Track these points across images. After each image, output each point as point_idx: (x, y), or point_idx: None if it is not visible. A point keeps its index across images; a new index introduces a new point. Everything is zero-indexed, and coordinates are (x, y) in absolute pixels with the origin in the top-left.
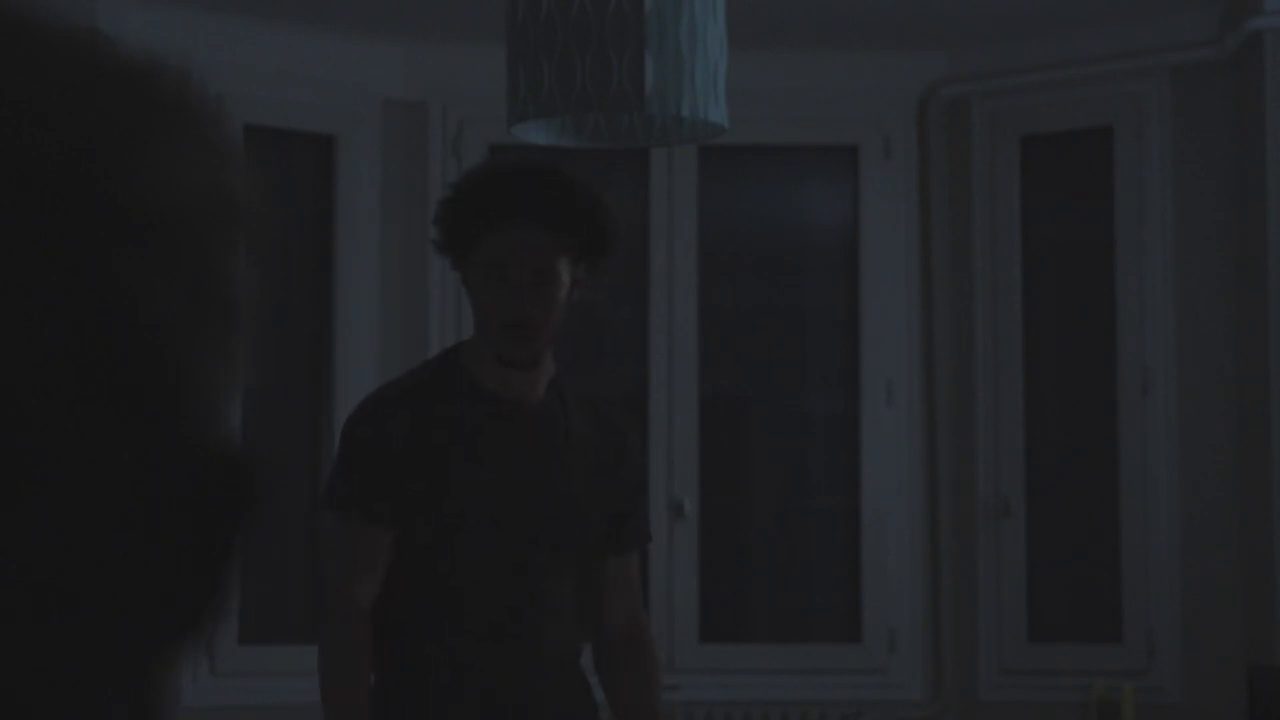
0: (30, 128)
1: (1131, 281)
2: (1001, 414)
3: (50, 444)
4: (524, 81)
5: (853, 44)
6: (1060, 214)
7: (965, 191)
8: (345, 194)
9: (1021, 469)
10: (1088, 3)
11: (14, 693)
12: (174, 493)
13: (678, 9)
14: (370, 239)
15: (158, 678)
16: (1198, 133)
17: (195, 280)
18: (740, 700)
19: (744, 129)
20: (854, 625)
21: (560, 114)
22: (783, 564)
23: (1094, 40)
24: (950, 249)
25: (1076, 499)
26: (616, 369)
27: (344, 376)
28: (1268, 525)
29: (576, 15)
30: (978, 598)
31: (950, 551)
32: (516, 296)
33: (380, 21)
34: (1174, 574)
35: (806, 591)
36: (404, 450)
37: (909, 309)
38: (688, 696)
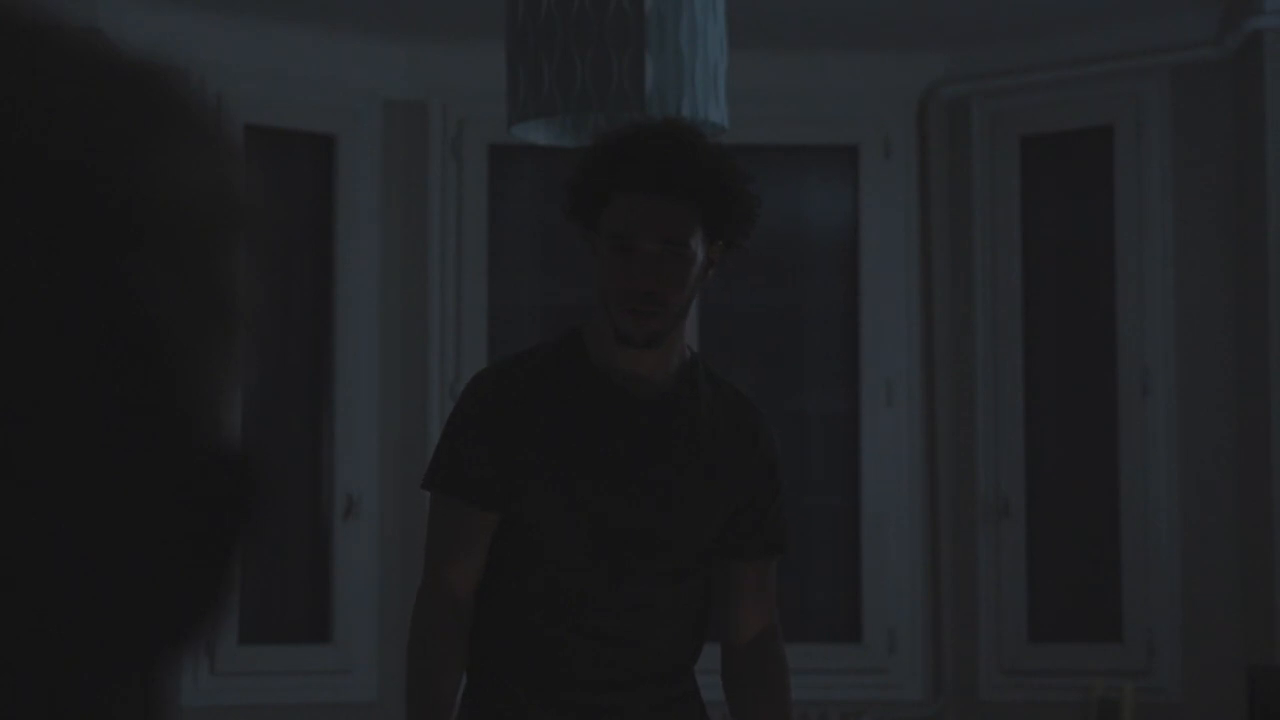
0: (31, 128)
1: (1131, 281)
2: (1001, 414)
3: (53, 444)
4: (524, 81)
5: (853, 44)
6: (1060, 214)
7: (965, 191)
8: (345, 194)
9: (1021, 469)
10: (1088, 3)
11: (16, 693)
12: (177, 493)
13: (678, 9)
14: (370, 239)
15: (160, 678)
16: (1198, 133)
17: (197, 280)
18: None
19: (744, 129)
20: (854, 625)
21: (560, 114)
22: (783, 564)
23: (1094, 40)
24: (950, 248)
25: (1076, 499)
26: None
27: (344, 376)
28: (1268, 525)
29: (576, 15)
30: (978, 598)
31: (950, 551)
32: (641, 269)
33: (380, 21)
34: (1174, 574)
35: (806, 591)
36: (511, 429)
37: (909, 309)
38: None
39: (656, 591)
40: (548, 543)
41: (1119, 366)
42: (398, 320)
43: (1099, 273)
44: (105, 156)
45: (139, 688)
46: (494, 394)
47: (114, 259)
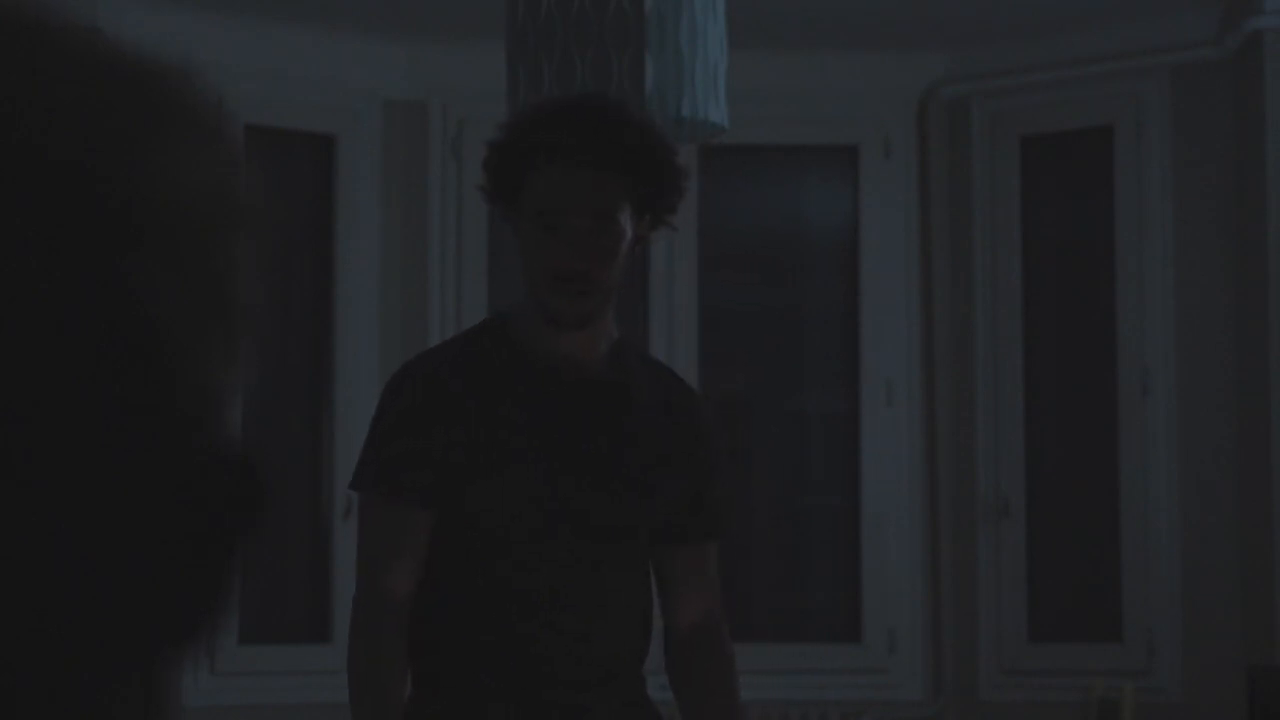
0: (31, 128)
1: (1131, 281)
2: (1001, 414)
3: (53, 444)
4: (524, 81)
5: (853, 44)
6: (1060, 214)
7: (965, 191)
8: (345, 194)
9: (1021, 469)
10: (1088, 3)
11: (19, 693)
12: (177, 493)
13: (678, 9)
14: (370, 239)
15: (162, 678)
16: (1198, 133)
17: (198, 280)
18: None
19: (744, 129)
20: (854, 625)
21: None
22: (783, 564)
23: (1094, 40)
24: (950, 248)
25: (1076, 499)
26: None
27: (344, 376)
28: (1268, 525)
29: (576, 15)
30: (978, 598)
31: (950, 551)
32: (568, 246)
33: (380, 21)
34: (1174, 574)
35: (806, 591)
36: (438, 422)
37: (909, 309)
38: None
39: (603, 583)
40: (487, 536)
41: (1119, 366)
42: (398, 320)
43: (1099, 273)
44: (105, 156)
45: (139, 688)
46: (416, 387)
47: (114, 259)
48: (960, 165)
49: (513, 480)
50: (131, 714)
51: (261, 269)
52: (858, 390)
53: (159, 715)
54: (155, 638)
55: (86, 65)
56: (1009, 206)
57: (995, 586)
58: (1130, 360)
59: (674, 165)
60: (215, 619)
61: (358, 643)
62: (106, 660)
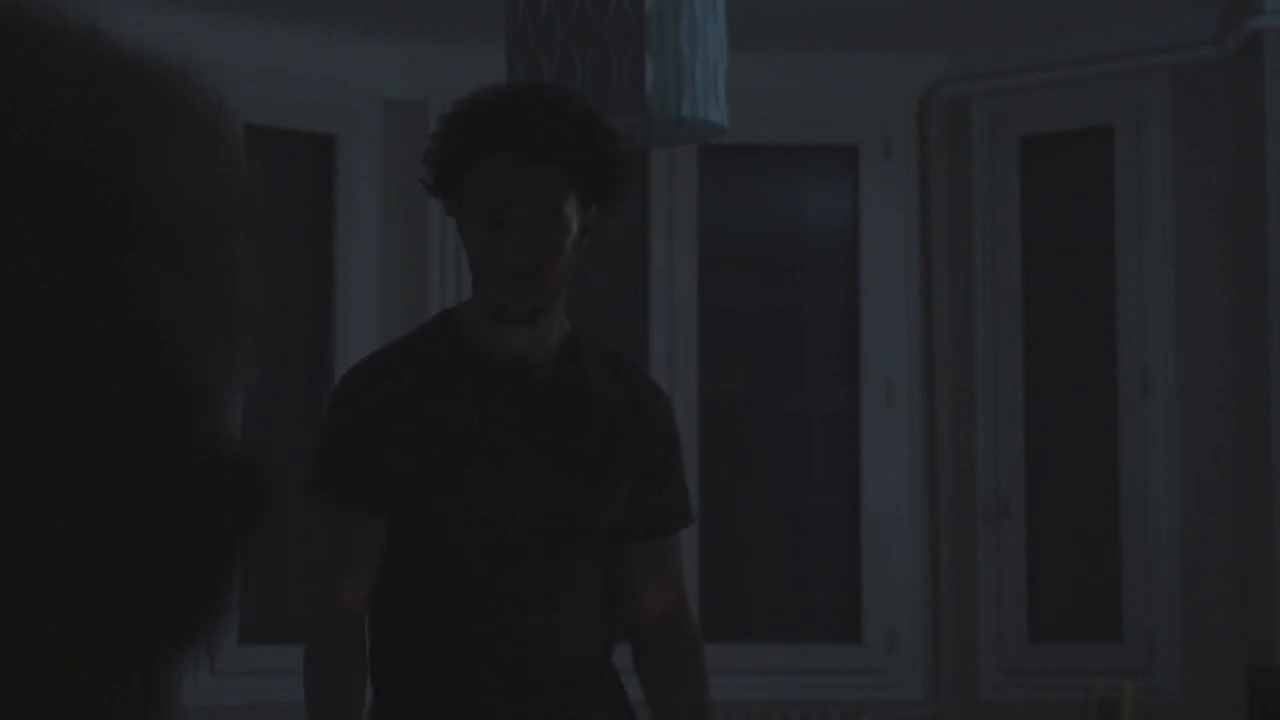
0: (32, 128)
1: (1131, 281)
2: (1001, 414)
3: (53, 444)
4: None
5: (853, 44)
6: (1060, 214)
7: (965, 191)
8: (345, 194)
9: (1021, 469)
10: (1088, 3)
11: (18, 693)
12: (177, 493)
13: (678, 9)
14: (370, 239)
15: (162, 678)
16: (1198, 133)
17: (198, 280)
18: (740, 700)
19: (744, 129)
20: (854, 625)
21: None
22: (783, 564)
23: (1094, 40)
24: (950, 248)
25: (1076, 499)
26: None
27: None
28: (1268, 525)
29: (576, 15)
30: (978, 598)
31: (950, 551)
32: (513, 241)
33: (380, 21)
34: (1174, 574)
35: (806, 591)
36: (388, 423)
37: (909, 309)
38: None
39: (563, 581)
40: (441, 539)
41: (1119, 366)
42: (398, 320)
43: (1099, 273)
44: (105, 156)
45: (139, 688)
46: (364, 388)
47: (114, 259)
48: (960, 165)
49: (467, 482)
50: (131, 714)
51: (261, 269)
52: (858, 390)
53: (159, 715)
54: (155, 638)
55: (86, 65)
56: (1009, 206)
57: (995, 586)
58: (1130, 360)
59: (617, 154)
60: (215, 619)
61: (316, 652)
62: (106, 660)
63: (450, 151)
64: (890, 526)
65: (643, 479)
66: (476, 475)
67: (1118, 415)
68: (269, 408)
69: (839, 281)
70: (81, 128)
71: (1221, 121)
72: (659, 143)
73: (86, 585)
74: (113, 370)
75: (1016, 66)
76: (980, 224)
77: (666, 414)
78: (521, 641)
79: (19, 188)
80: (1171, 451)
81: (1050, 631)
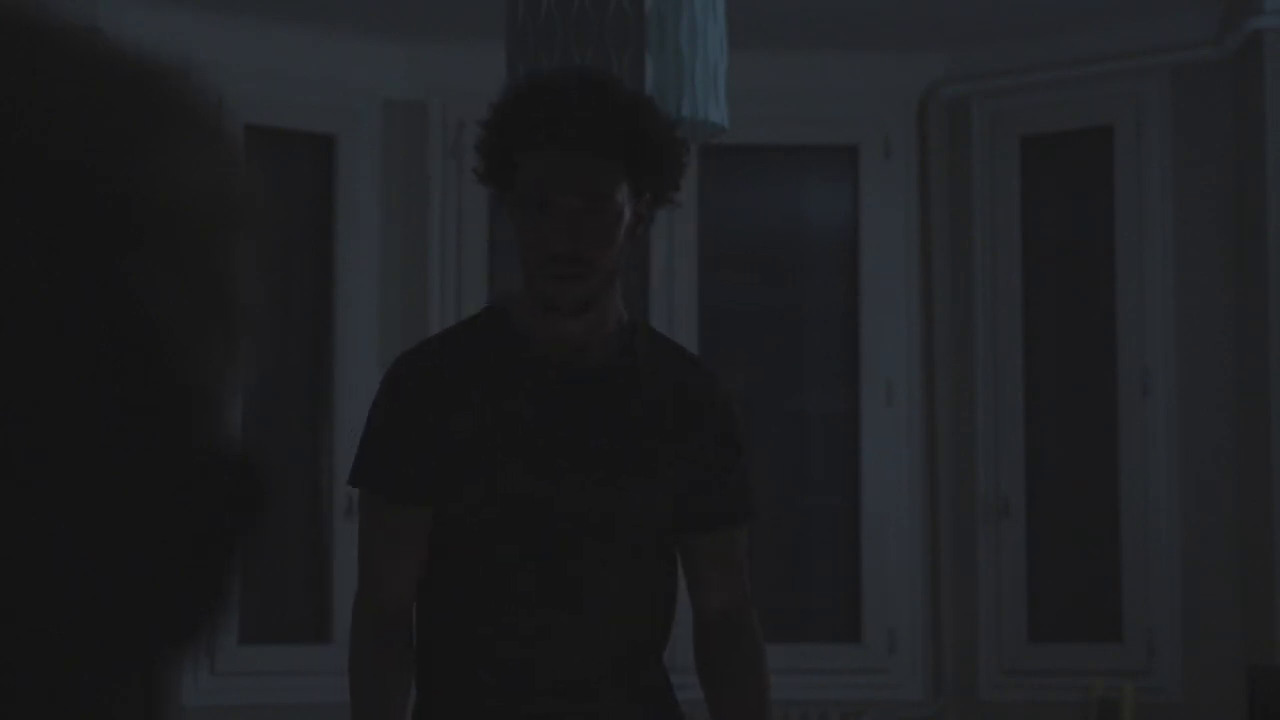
0: (32, 128)
1: (1131, 281)
2: (1001, 414)
3: (53, 444)
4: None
5: (853, 44)
6: (1060, 214)
7: (965, 191)
8: (345, 194)
9: (1021, 469)
10: (1088, 3)
11: (18, 693)
12: (177, 493)
13: (678, 9)
14: (370, 239)
15: (162, 678)
16: (1198, 133)
17: (199, 280)
18: None
19: (744, 129)
20: (854, 625)
21: None
22: (783, 564)
23: (1094, 40)
24: (950, 249)
25: (1076, 499)
26: None
27: (344, 377)
28: (1268, 525)
29: (576, 15)
30: (978, 598)
31: (950, 551)
32: (560, 228)
33: (380, 21)
34: (1174, 574)
35: (806, 591)
36: (434, 416)
37: (909, 309)
38: (688, 696)
39: (612, 576)
40: (486, 533)
41: (1119, 366)
42: (398, 320)
43: (1099, 273)
44: (105, 156)
45: (139, 688)
46: (408, 377)
47: (114, 259)
48: (960, 165)
49: (512, 474)
50: (131, 714)
51: (261, 269)
52: (858, 390)
53: (159, 715)
54: (155, 638)
55: (86, 65)
56: (1009, 206)
57: (995, 586)
58: (1130, 360)
59: (671, 141)
60: (215, 619)
61: (358, 649)
62: (106, 660)
63: (499, 140)
64: (890, 526)
65: (696, 472)
66: (510, 471)
67: (1118, 415)
68: (269, 408)
69: (839, 281)
70: (81, 128)
71: (1221, 121)
72: None
73: (86, 585)
74: (113, 370)
75: (1016, 66)
76: (980, 224)
77: (724, 407)
78: (559, 636)
79: (19, 188)
80: (1171, 451)
81: (1050, 631)
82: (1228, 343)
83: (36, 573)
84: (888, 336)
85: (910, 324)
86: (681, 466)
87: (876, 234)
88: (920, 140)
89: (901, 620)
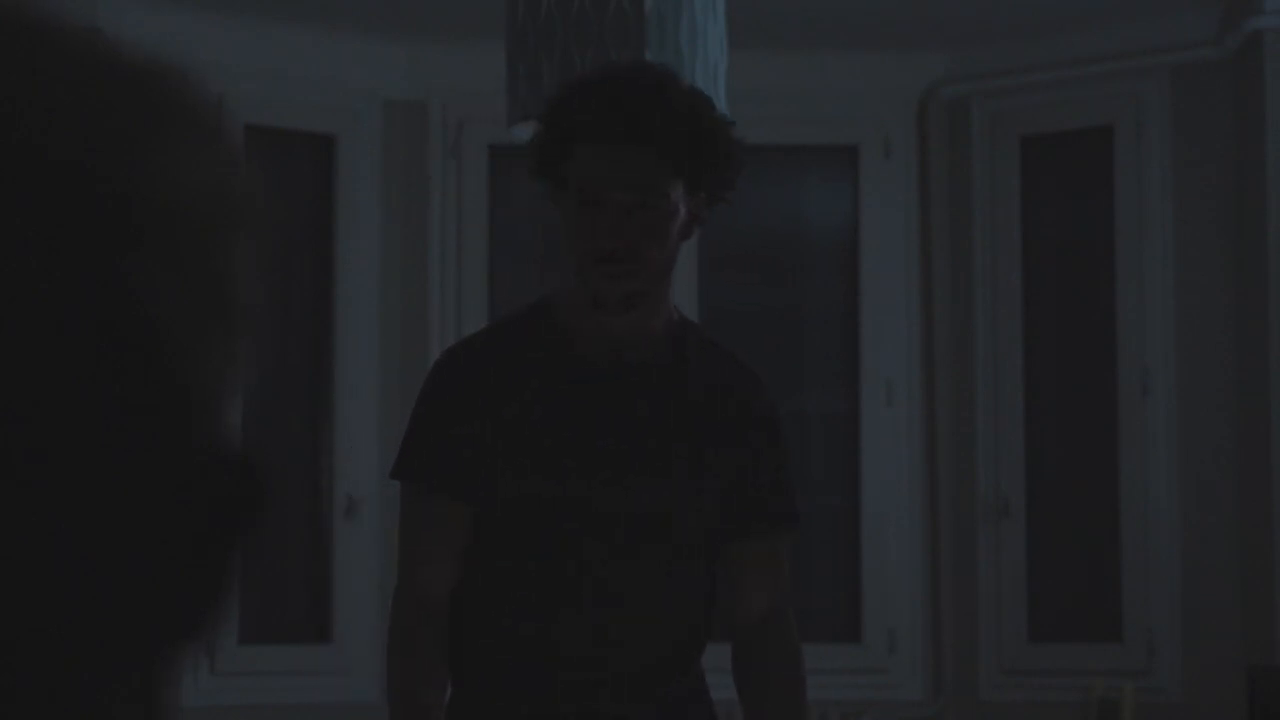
0: (32, 128)
1: (1131, 281)
2: (1001, 414)
3: (53, 444)
4: (524, 81)
5: (853, 44)
6: (1060, 214)
7: (965, 191)
8: (345, 194)
9: (1021, 469)
10: (1088, 3)
11: (19, 693)
12: (177, 493)
13: (678, 9)
14: (370, 239)
15: (162, 678)
16: (1198, 133)
17: (199, 280)
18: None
19: (744, 129)
20: (854, 625)
21: None
22: None
23: (1094, 40)
24: (950, 248)
25: (1076, 499)
26: None
27: (344, 377)
28: (1268, 525)
29: (576, 15)
30: (978, 598)
31: (950, 551)
32: (611, 224)
33: (380, 21)
34: (1174, 574)
35: (806, 591)
36: (477, 411)
37: (909, 309)
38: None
39: (653, 578)
40: (523, 530)
41: (1119, 366)
42: (398, 320)
43: (1099, 273)
44: (105, 156)
45: (139, 688)
46: (459, 371)
47: (114, 259)
48: (960, 165)
49: (552, 472)
50: (131, 714)
51: (261, 269)
52: (858, 390)
53: (159, 715)
54: (155, 638)
55: (86, 65)
56: (1009, 206)
57: (995, 586)
58: (1130, 360)
59: (724, 139)
60: (215, 619)
61: (395, 642)
62: (106, 660)
63: (551, 136)
64: (890, 526)
65: (737, 476)
66: (560, 467)
67: (1118, 415)
68: (269, 408)
69: (839, 281)
70: (81, 128)
71: (1221, 121)
72: None
73: (86, 585)
74: (113, 370)
75: (1016, 66)
76: (980, 224)
77: (768, 411)
78: (595, 637)
79: (19, 188)
80: (1171, 451)
81: (1050, 631)
82: (1228, 343)
83: (37, 572)
84: (888, 336)
85: (910, 324)
86: (723, 469)
87: (876, 234)
88: (920, 140)
89: (901, 620)
